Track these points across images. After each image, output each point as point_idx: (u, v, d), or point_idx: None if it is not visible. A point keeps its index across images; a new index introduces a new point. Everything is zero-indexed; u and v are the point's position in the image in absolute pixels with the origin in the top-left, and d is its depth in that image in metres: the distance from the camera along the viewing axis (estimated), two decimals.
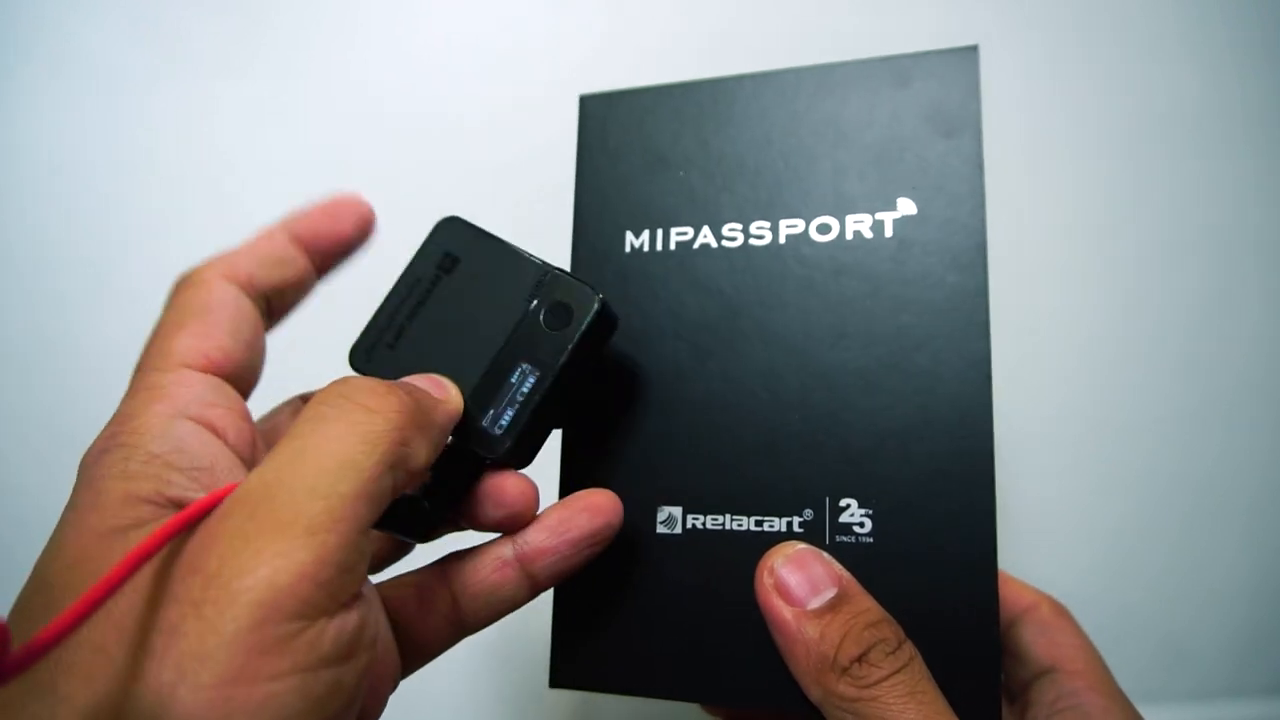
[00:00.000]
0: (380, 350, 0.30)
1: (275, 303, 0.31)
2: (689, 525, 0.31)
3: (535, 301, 0.29)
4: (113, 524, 0.22)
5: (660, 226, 0.33)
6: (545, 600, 0.30)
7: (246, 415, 0.28)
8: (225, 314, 0.28)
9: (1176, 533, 0.51)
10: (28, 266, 0.53)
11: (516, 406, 0.28)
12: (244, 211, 0.53)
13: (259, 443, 0.28)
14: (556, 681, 0.31)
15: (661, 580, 0.30)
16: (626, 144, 0.34)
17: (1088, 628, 0.33)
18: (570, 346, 0.28)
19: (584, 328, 0.29)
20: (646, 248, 0.33)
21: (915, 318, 0.30)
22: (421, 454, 0.24)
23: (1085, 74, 0.55)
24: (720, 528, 0.30)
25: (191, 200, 0.54)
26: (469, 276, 0.30)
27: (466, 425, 0.28)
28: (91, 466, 0.23)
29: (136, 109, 0.55)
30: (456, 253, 0.31)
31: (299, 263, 0.31)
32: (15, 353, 0.51)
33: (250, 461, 0.26)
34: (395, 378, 0.27)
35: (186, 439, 0.24)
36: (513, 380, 0.29)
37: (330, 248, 0.32)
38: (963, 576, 0.27)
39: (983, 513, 0.28)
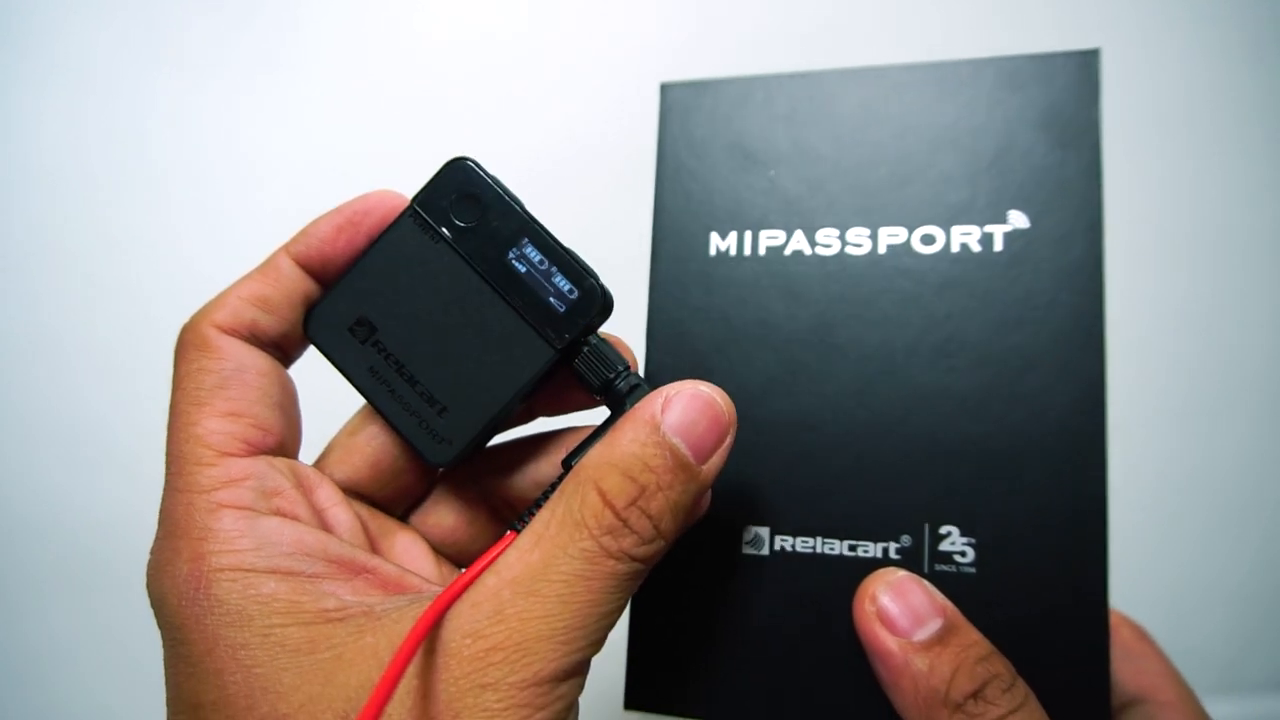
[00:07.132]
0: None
1: (292, 351, 0.28)
2: (776, 547, 0.29)
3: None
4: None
5: (749, 229, 0.31)
6: (623, 617, 0.29)
7: (306, 479, 0.27)
8: (246, 380, 0.26)
9: (1173, 530, 0.51)
10: (25, 265, 0.51)
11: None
12: (248, 210, 0.51)
13: (330, 494, 0.27)
14: (632, 703, 0.30)
15: (746, 603, 0.29)
16: (712, 138, 0.32)
17: None
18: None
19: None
20: (733, 251, 0.31)
21: (1025, 338, 0.28)
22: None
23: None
24: (810, 550, 0.29)
25: (192, 200, 0.52)
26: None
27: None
28: (215, 594, 0.23)
29: (134, 107, 0.52)
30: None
31: (312, 297, 0.28)
32: (13, 352, 0.49)
33: (333, 524, 0.26)
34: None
35: (271, 534, 0.24)
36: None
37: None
38: (1071, 614, 0.26)
39: (1094, 548, 0.27)
